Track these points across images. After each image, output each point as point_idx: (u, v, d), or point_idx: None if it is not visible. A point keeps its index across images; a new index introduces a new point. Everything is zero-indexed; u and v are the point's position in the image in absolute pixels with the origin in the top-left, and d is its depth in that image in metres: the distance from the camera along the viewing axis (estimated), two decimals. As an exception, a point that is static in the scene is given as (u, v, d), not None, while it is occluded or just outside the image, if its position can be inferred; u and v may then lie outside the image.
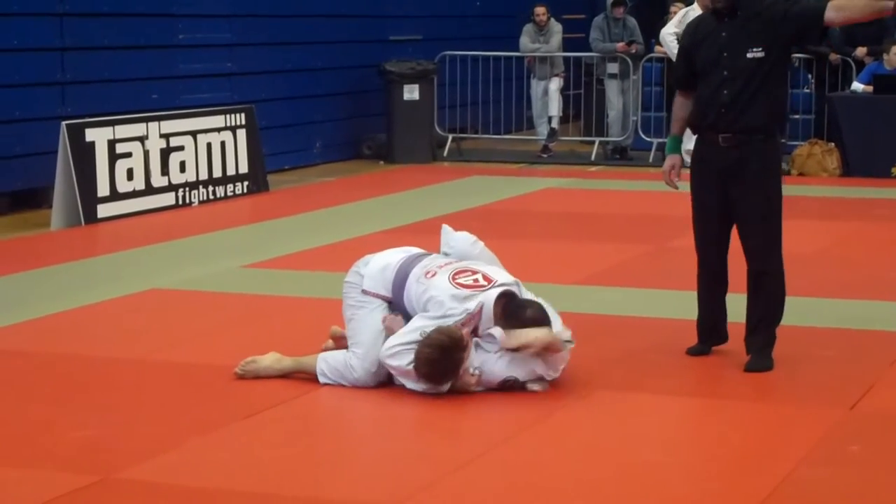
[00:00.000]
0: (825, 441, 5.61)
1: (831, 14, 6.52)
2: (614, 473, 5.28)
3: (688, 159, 7.08)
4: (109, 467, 5.26)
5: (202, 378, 6.57)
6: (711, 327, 6.95)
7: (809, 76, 16.13)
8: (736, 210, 6.73)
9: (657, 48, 15.90)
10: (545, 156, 16.31)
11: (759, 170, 6.65)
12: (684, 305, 8.12)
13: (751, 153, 6.64)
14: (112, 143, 11.58)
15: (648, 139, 16.09)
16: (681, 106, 6.94)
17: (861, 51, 15.79)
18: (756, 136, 6.65)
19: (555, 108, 16.40)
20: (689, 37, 6.90)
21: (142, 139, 11.90)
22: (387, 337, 6.14)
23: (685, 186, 6.96)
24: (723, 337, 6.96)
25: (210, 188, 12.62)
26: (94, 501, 4.97)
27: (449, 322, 6.00)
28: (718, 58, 6.65)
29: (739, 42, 6.62)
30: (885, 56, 14.82)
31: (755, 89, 6.58)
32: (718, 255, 6.86)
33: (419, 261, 6.37)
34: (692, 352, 6.94)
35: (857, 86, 14.84)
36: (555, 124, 16.47)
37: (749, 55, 6.56)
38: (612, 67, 16.12)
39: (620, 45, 15.92)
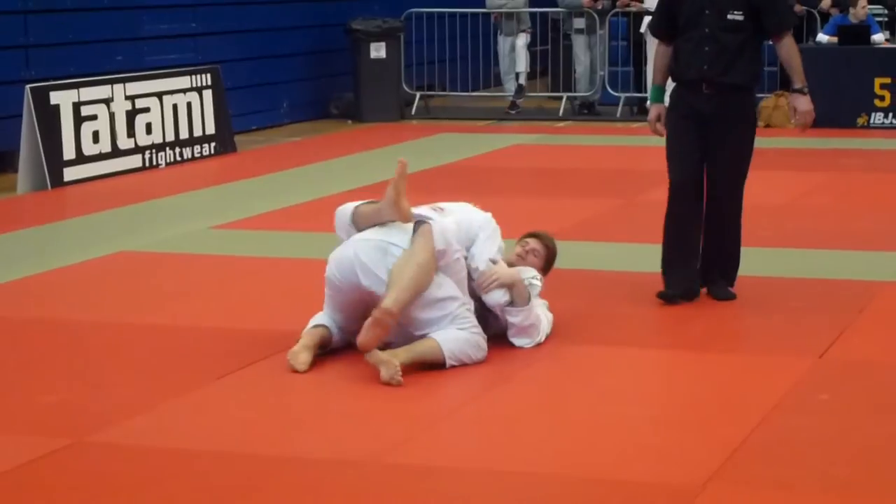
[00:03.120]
0: (795, 390, 5.65)
1: (785, 43, 6.85)
2: (586, 426, 5.30)
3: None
4: (82, 430, 5.25)
5: (173, 340, 6.55)
6: (682, 270, 6.99)
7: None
8: (709, 154, 6.88)
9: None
10: (513, 112, 16.28)
11: (736, 118, 6.86)
12: (654, 259, 8.14)
13: (729, 103, 6.84)
14: (77, 106, 11.49)
15: (616, 94, 16.08)
16: (661, 55, 7.09)
17: (826, 2, 15.80)
18: (736, 93, 6.84)
19: (522, 64, 16.34)
20: None
21: (107, 101, 11.81)
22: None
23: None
24: (695, 289, 7.02)
25: (177, 150, 12.54)
26: (66, 464, 4.96)
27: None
28: (700, 15, 6.84)
29: (721, 2, 6.81)
30: (851, 9, 14.83)
31: (736, 49, 6.81)
32: (695, 189, 6.93)
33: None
34: (663, 296, 6.98)
35: (822, 37, 14.87)
36: (522, 80, 16.43)
37: (729, 16, 6.75)
38: (579, 23, 16.07)
39: (587, -1, 15.88)
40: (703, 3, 6.85)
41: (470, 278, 6.14)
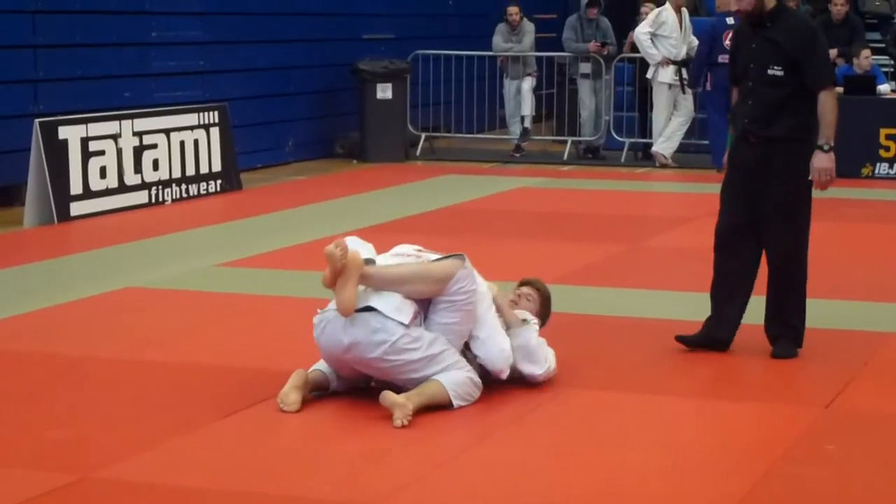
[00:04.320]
0: (802, 440, 5.65)
1: (822, 98, 6.77)
2: (591, 473, 5.30)
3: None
4: (89, 466, 5.25)
5: (179, 377, 6.56)
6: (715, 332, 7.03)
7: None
8: (758, 205, 6.89)
9: (627, 44, 15.95)
10: (518, 155, 16.35)
11: (781, 169, 6.84)
12: (659, 304, 8.20)
13: (774, 155, 6.85)
14: (85, 141, 11.55)
15: (620, 139, 16.14)
16: (735, 101, 7.19)
17: (832, 53, 15.86)
18: (783, 144, 6.84)
19: (527, 107, 16.43)
20: (734, 39, 7.19)
21: (115, 137, 11.85)
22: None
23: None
24: (725, 344, 7.04)
25: (183, 186, 12.59)
26: (73, 500, 4.97)
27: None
28: (747, 68, 6.94)
29: (763, 56, 6.89)
30: (855, 59, 14.91)
31: (778, 103, 6.83)
32: (737, 239, 6.93)
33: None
34: (682, 338, 7.05)
35: (827, 87, 14.91)
36: (527, 124, 16.51)
37: (770, 72, 6.80)
38: (585, 67, 16.16)
39: (593, 45, 15.96)
40: (749, 56, 6.93)
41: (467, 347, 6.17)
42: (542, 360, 6.28)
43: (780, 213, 6.86)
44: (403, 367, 5.91)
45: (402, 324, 5.90)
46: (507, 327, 6.24)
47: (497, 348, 6.11)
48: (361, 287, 5.93)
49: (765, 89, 6.84)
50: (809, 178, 6.84)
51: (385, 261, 6.15)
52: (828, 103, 6.80)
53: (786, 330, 6.92)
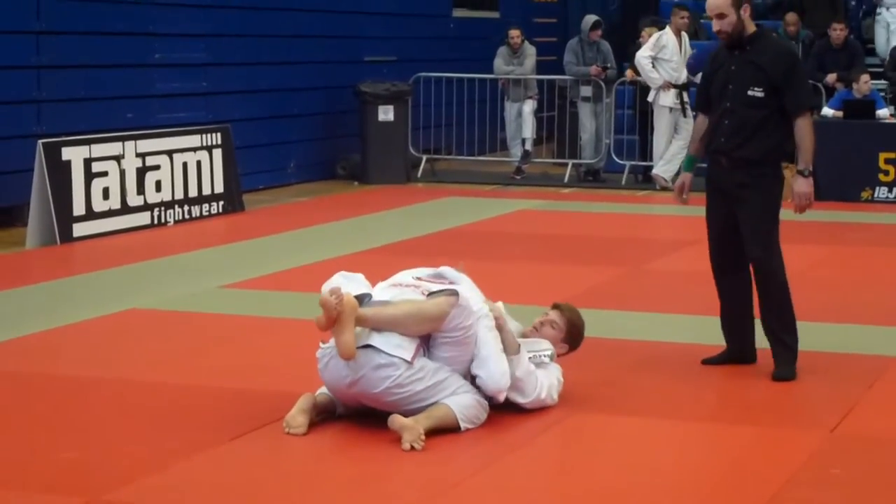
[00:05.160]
0: (808, 464, 5.66)
1: (800, 124, 6.86)
2: (599, 497, 5.31)
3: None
4: (96, 489, 5.25)
5: (186, 399, 6.57)
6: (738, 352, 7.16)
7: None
8: (738, 226, 6.98)
9: (628, 72, 16.00)
10: (518, 177, 16.38)
11: (752, 190, 6.92)
12: (664, 328, 8.21)
13: (745, 176, 6.92)
14: (88, 162, 11.57)
15: (621, 162, 16.18)
16: (698, 126, 7.25)
17: (831, 77, 15.95)
18: (755, 166, 6.91)
19: (528, 130, 16.48)
20: (710, 64, 7.22)
21: (118, 158, 11.88)
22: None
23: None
24: (750, 358, 7.16)
25: (186, 207, 12.61)
26: (82, 523, 4.97)
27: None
28: (724, 88, 6.96)
29: (743, 78, 6.95)
30: (854, 84, 14.96)
31: (756, 124, 6.87)
32: (729, 261, 7.03)
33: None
34: (708, 360, 7.18)
35: (827, 111, 14.99)
36: (528, 146, 16.55)
37: (749, 92, 6.84)
38: (586, 90, 16.21)
39: (594, 68, 16.01)
40: (728, 77, 6.98)
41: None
42: (530, 390, 6.23)
43: (753, 232, 6.94)
44: (410, 398, 5.92)
45: (405, 360, 5.91)
46: (509, 352, 6.21)
47: (498, 370, 6.10)
48: (360, 328, 5.94)
49: (743, 110, 6.90)
50: (788, 199, 6.93)
51: (382, 293, 6.15)
52: (806, 129, 6.88)
53: (781, 348, 6.98)
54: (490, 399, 6.16)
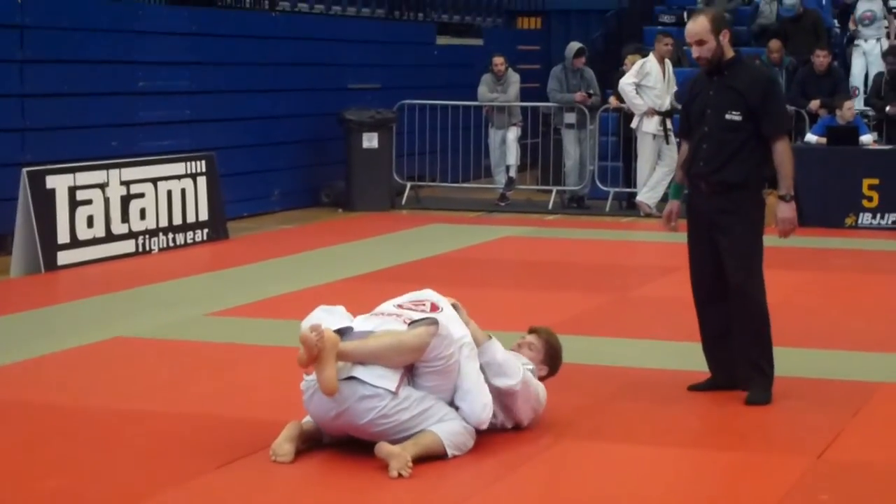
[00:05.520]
0: (796, 489, 5.66)
1: (778, 149, 6.90)
2: (588, 523, 5.30)
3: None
4: (82, 518, 5.23)
5: (171, 428, 6.54)
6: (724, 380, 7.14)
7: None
8: (720, 252, 6.99)
9: (612, 99, 16.05)
10: (503, 204, 16.41)
11: (733, 215, 6.93)
12: (649, 354, 8.21)
13: (726, 200, 6.94)
14: (72, 190, 11.55)
15: (605, 188, 16.21)
16: (682, 154, 7.27)
17: (815, 104, 16.03)
18: (734, 190, 6.89)
19: (512, 156, 16.52)
20: (689, 90, 7.25)
21: (102, 186, 11.86)
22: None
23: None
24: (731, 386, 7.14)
25: (170, 235, 12.59)
26: (67, 552, 4.93)
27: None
28: (703, 113, 6.96)
29: (721, 102, 6.99)
30: (837, 111, 15.03)
31: (733, 149, 6.90)
32: (711, 288, 7.03)
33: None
34: (694, 387, 7.17)
35: (810, 137, 15.05)
36: (512, 173, 16.58)
37: (727, 117, 6.87)
38: (570, 117, 16.24)
39: (579, 95, 16.05)
40: (706, 102, 7.02)
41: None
42: (514, 372, 6.23)
43: (734, 257, 6.94)
44: (396, 427, 5.91)
45: (389, 391, 5.89)
46: (477, 344, 6.21)
47: (480, 403, 6.09)
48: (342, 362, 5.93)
49: (721, 134, 6.94)
50: (771, 225, 6.97)
51: (364, 323, 6.13)
52: (784, 153, 6.92)
53: (755, 374, 6.98)
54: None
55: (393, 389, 5.88)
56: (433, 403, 5.99)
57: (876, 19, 17.58)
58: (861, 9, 17.83)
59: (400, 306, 6.24)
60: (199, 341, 8.57)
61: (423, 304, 6.22)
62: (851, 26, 17.94)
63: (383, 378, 5.90)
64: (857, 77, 17.58)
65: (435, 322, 5.96)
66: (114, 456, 6.09)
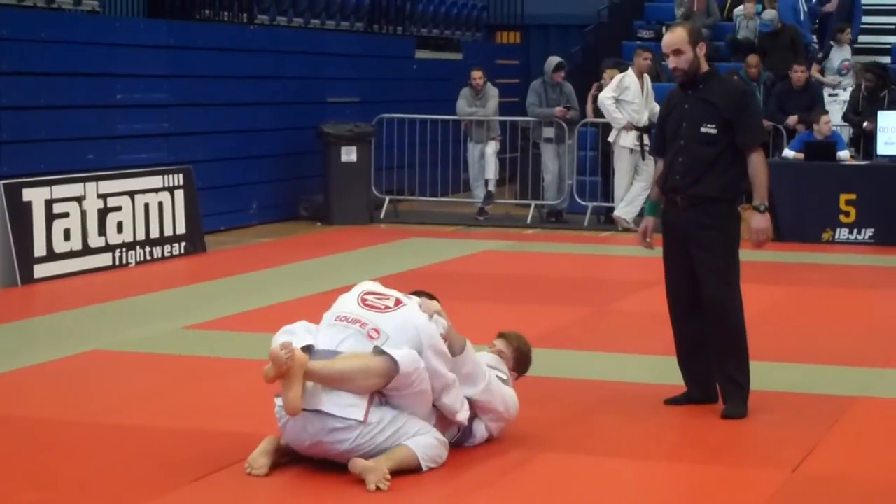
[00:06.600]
0: (771, 503, 5.67)
1: (753, 160, 6.92)
2: (564, 536, 5.30)
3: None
4: (57, 531, 5.21)
5: (148, 441, 6.52)
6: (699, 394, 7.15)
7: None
8: (695, 266, 7.01)
9: (588, 107, 16.09)
10: (481, 218, 16.43)
11: (709, 228, 6.96)
12: (627, 368, 8.23)
13: (701, 214, 6.96)
14: (49, 203, 11.52)
15: (583, 203, 16.24)
16: (658, 170, 7.28)
17: (792, 119, 16.09)
18: (711, 203, 6.89)
19: (491, 171, 16.54)
20: (664, 106, 7.27)
21: (79, 199, 11.83)
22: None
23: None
24: (712, 398, 7.14)
25: (147, 249, 12.56)
26: (42, 566, 4.91)
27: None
28: (679, 127, 6.99)
29: (696, 115, 7.02)
30: (815, 126, 15.10)
31: (709, 162, 6.92)
32: (686, 303, 7.05)
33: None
34: (670, 400, 7.18)
35: (788, 153, 15.10)
36: (491, 187, 16.60)
37: (703, 129, 6.89)
38: (548, 132, 16.27)
39: (559, 109, 16.09)
40: (682, 116, 7.05)
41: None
42: (479, 380, 6.23)
43: (710, 270, 6.96)
44: (373, 449, 5.89)
45: (358, 420, 5.87)
46: (453, 351, 6.19)
47: (459, 400, 6.13)
48: (310, 383, 5.90)
49: (697, 147, 6.96)
50: (746, 237, 6.99)
51: (327, 330, 6.07)
52: (759, 164, 6.95)
53: (732, 387, 7.00)
54: (462, 439, 6.17)
55: (361, 419, 5.86)
56: (407, 420, 5.98)
57: (853, 68, 17.53)
58: (836, 59, 17.80)
59: (364, 301, 6.18)
60: (176, 355, 8.55)
61: (388, 299, 6.20)
62: (828, 78, 17.77)
63: (351, 407, 5.87)
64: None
65: (395, 363, 5.89)
66: (90, 469, 6.07)
